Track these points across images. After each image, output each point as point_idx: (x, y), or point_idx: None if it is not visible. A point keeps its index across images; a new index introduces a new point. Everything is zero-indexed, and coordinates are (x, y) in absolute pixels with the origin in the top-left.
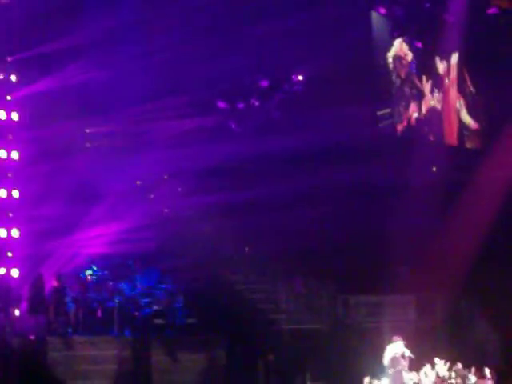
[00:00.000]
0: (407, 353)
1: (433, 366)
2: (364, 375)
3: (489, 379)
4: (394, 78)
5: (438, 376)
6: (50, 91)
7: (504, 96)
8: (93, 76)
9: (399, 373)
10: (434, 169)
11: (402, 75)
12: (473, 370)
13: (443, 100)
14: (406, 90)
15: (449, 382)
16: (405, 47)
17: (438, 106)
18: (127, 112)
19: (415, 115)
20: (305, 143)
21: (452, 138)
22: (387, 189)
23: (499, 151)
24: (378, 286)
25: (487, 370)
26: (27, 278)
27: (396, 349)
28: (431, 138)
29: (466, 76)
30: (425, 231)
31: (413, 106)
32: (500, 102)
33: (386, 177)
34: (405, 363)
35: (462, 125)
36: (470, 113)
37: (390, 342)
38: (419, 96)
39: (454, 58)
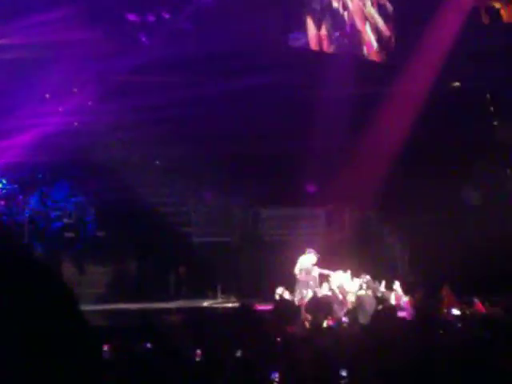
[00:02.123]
0: (318, 270)
1: (341, 278)
2: (276, 287)
3: (398, 292)
4: None
5: (344, 288)
6: None
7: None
8: None
9: (309, 283)
10: (346, 84)
11: None
12: (383, 282)
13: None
14: (316, 5)
15: (359, 293)
16: None
17: (357, 21)
18: (32, 23)
19: (327, 30)
20: (214, 54)
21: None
22: (297, 103)
23: (413, 65)
24: (289, 199)
25: (397, 283)
26: None
27: (308, 260)
28: (351, 53)
29: None
30: (335, 145)
31: (326, 22)
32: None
33: (295, 91)
34: (315, 276)
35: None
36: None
37: (302, 253)
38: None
39: None
